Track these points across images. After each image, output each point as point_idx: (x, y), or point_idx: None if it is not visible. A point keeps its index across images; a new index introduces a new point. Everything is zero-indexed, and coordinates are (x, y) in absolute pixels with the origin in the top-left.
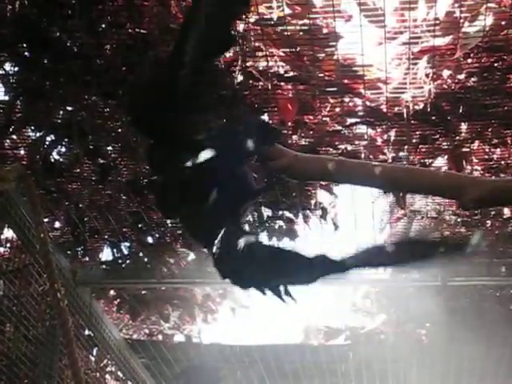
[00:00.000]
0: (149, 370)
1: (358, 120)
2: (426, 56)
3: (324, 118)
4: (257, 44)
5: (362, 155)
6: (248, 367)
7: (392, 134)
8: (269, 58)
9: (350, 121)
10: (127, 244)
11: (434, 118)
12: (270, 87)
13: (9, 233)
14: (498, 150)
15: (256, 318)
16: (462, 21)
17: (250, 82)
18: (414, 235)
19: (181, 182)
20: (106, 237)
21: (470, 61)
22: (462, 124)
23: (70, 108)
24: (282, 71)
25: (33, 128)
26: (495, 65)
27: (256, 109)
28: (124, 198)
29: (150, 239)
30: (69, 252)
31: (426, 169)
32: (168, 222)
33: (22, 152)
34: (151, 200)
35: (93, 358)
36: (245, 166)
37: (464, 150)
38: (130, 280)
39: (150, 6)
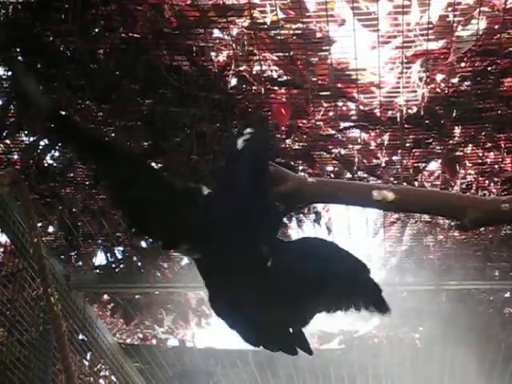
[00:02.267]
0: (143, 374)
1: (352, 124)
2: (419, 60)
3: (317, 122)
4: (250, 48)
5: (356, 159)
6: (242, 371)
7: (385, 138)
8: (262, 63)
9: (343, 125)
10: (121, 248)
11: (427, 121)
12: (263, 91)
13: (2, 237)
14: (492, 153)
15: None
16: (455, 25)
17: (244, 86)
18: None
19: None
20: (100, 241)
21: (463, 65)
22: (456, 128)
23: (63, 113)
24: (275, 75)
25: (26, 133)
26: (488, 69)
27: (249, 113)
28: None
29: (143, 244)
30: (62, 256)
31: (426, 189)
32: None
33: (16, 157)
34: None
35: (87, 363)
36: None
37: (457, 153)
38: (123, 284)
39: (144, 10)
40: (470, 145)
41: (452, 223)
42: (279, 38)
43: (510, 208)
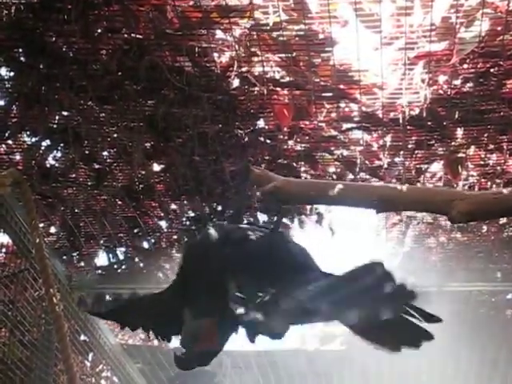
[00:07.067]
0: (144, 374)
1: (354, 125)
2: (421, 61)
3: (320, 124)
4: (253, 49)
5: (358, 160)
6: (243, 372)
7: (388, 139)
8: (265, 64)
9: (345, 126)
10: (123, 249)
11: (429, 123)
12: (265, 92)
13: (4, 238)
14: (494, 155)
15: None
16: (457, 26)
17: (246, 87)
18: None
19: None
20: (102, 242)
21: (465, 66)
22: (458, 129)
23: (65, 113)
24: (277, 76)
25: (28, 133)
26: (491, 70)
27: (252, 114)
28: (119, 203)
29: (145, 244)
30: (64, 257)
31: (414, 186)
32: (163, 226)
33: (18, 157)
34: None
35: (88, 363)
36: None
37: (460, 155)
38: (125, 285)
39: (146, 11)
40: (472, 146)
41: (454, 225)
42: (282, 39)
43: (499, 199)
